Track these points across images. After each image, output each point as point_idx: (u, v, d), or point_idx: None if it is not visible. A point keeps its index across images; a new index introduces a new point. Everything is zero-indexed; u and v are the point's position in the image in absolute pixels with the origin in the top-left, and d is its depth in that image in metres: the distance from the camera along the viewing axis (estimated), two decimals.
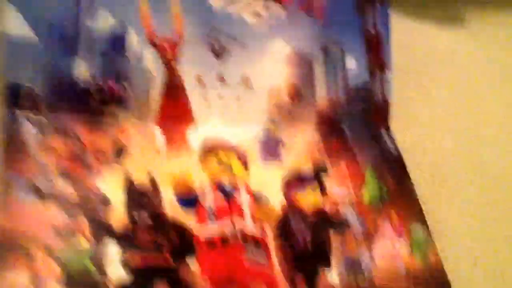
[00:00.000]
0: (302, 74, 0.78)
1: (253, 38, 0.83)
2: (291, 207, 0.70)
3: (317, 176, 0.77)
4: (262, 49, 0.83)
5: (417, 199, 0.78)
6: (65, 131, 0.68)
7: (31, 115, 0.67)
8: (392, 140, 0.84)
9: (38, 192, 0.64)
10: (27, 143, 0.65)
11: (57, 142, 0.68)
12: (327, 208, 0.76)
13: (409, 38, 0.97)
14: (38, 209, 0.65)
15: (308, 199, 0.75)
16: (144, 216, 0.65)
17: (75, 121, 0.69)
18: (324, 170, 0.72)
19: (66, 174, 0.65)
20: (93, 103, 0.71)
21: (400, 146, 0.85)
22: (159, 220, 0.66)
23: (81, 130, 0.68)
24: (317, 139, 0.77)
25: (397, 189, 0.79)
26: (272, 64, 0.82)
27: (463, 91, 0.96)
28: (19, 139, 0.65)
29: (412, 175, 0.81)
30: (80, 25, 0.68)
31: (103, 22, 0.69)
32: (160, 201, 0.71)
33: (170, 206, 0.66)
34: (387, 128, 0.82)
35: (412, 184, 0.79)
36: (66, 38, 0.68)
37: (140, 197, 0.65)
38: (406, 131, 0.83)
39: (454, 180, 0.85)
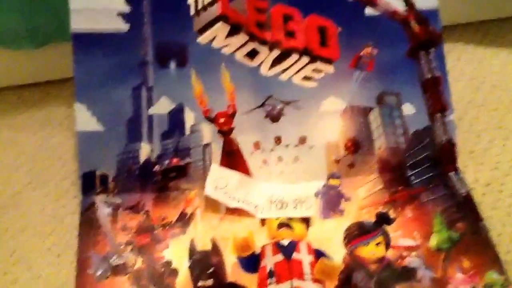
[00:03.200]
0: (358, 126, 0.82)
1: (306, 99, 0.89)
2: (354, 262, 0.69)
3: (381, 228, 0.72)
4: (316, 108, 0.89)
5: (493, 244, 0.76)
6: (135, 209, 0.74)
7: (105, 197, 0.74)
8: (462, 182, 0.85)
9: (113, 269, 0.69)
10: (101, 223, 0.72)
11: (129, 220, 0.74)
12: (393, 260, 0.68)
13: (473, 73, 0.92)
14: (112, 284, 0.72)
15: (372, 252, 0.69)
16: (207, 282, 0.67)
17: (144, 198, 0.75)
18: (388, 221, 0.71)
19: (137, 249, 0.71)
20: (160, 180, 0.76)
21: (472, 187, 0.85)
22: (222, 285, 0.68)
23: (150, 206, 0.74)
24: (380, 189, 0.75)
25: (469, 234, 0.78)
26: (327, 121, 0.90)
27: None
28: (94, 220, 0.74)
29: (486, 218, 0.79)
30: (142, 113, 0.75)
31: (162, 107, 0.76)
32: (223, 265, 0.75)
33: (233, 270, 0.68)
34: (455, 170, 0.78)
35: (486, 227, 0.78)
36: (130, 127, 0.75)
37: (204, 264, 0.69)
38: (478, 171, 0.78)
39: None
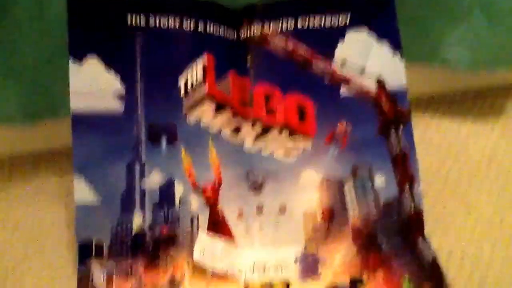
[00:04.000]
0: (333, 197, 1.00)
1: (285, 172, 1.09)
2: None
3: None
4: (295, 180, 1.09)
5: None
6: (128, 274, 0.92)
7: (99, 262, 0.93)
8: (429, 248, 1.03)
9: None
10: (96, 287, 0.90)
11: (122, 284, 0.91)
12: None
13: (440, 144, 1.14)
14: None
15: None
16: None
17: (136, 265, 0.93)
18: (360, 282, 0.91)
19: None
20: (150, 247, 0.95)
21: (438, 253, 1.03)
22: None
23: (141, 272, 0.92)
24: (353, 254, 0.96)
25: None
26: (305, 192, 1.00)
27: (502, 195, 1.12)
28: (90, 285, 0.90)
29: (450, 281, 0.97)
30: (135, 187, 0.95)
31: (154, 180, 0.95)
32: None
33: None
34: (423, 237, 0.95)
35: None
36: (124, 199, 0.94)
37: None
38: (442, 238, 0.99)
39: None
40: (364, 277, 0.98)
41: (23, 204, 1.15)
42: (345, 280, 0.97)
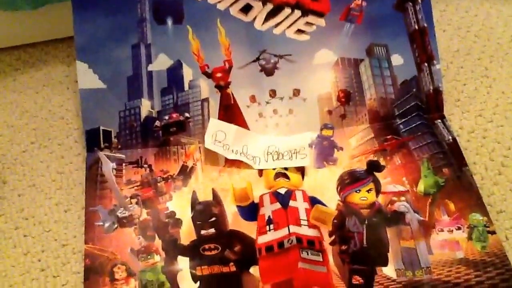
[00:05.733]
0: (349, 78, 0.79)
1: (299, 52, 0.88)
2: (347, 208, 0.69)
3: (372, 175, 0.70)
4: (309, 61, 0.88)
5: (476, 188, 0.77)
6: (138, 163, 0.73)
7: (109, 153, 0.73)
8: (448, 129, 0.87)
9: (119, 221, 0.69)
10: (107, 178, 0.71)
11: (133, 174, 0.74)
12: (383, 205, 0.68)
13: (460, 23, 0.90)
14: (119, 235, 0.77)
15: (364, 198, 0.69)
16: (209, 230, 0.67)
17: (146, 153, 0.74)
18: (378, 168, 0.71)
19: (141, 202, 0.70)
20: (160, 135, 0.75)
21: (457, 134, 0.86)
22: (223, 233, 0.68)
23: (152, 160, 0.73)
24: (370, 138, 0.74)
25: (454, 179, 0.79)
26: (319, 73, 0.86)
27: None
28: (99, 175, 0.72)
29: (470, 163, 0.80)
30: (142, 71, 0.73)
31: (161, 64, 0.74)
32: (224, 214, 0.69)
33: (233, 219, 0.69)
34: (442, 118, 0.75)
35: (470, 172, 0.79)
36: (131, 84, 0.73)
37: (205, 213, 0.68)
38: (463, 118, 0.79)
39: None
40: (382, 162, 0.78)
41: (31, 91, 0.98)
42: (362, 165, 0.78)
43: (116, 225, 0.76)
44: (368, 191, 0.77)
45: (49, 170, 0.86)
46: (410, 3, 0.88)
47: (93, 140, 0.85)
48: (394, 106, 0.87)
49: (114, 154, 0.82)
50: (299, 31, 0.90)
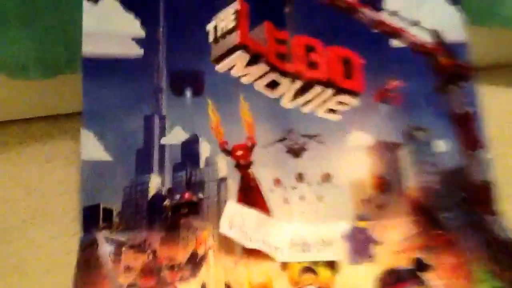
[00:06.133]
0: (387, 163, 0.68)
1: (330, 133, 0.79)
2: None
3: (418, 275, 0.58)
4: (341, 143, 0.79)
5: None
6: (141, 247, 0.62)
7: (108, 233, 0.63)
8: (502, 227, 0.74)
9: None
10: (102, 262, 0.60)
11: (133, 259, 0.62)
12: None
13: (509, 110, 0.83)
14: None
15: None
16: None
17: (151, 236, 0.63)
18: (426, 267, 0.58)
19: None
20: (169, 217, 0.65)
21: None
22: None
23: (157, 245, 0.62)
24: (413, 232, 0.63)
25: None
26: (353, 157, 0.70)
27: None
28: (94, 259, 0.61)
29: None
30: (154, 144, 0.65)
31: (175, 137, 0.65)
32: None
33: None
34: (493, 213, 0.63)
35: None
36: (140, 157, 0.65)
37: None
38: None
39: None
40: (428, 260, 0.67)
41: (36, 166, 0.90)
42: (405, 262, 0.66)
43: None
44: None
45: (40, 252, 0.76)
46: (452, 86, 0.83)
47: (91, 218, 0.74)
48: (439, 198, 0.77)
49: (114, 235, 0.72)
50: (330, 110, 0.83)
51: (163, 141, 0.77)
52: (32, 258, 0.76)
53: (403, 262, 0.70)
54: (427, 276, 0.66)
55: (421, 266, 0.68)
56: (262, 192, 0.78)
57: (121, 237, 0.73)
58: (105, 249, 0.71)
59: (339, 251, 0.69)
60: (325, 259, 0.68)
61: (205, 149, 0.78)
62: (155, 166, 0.76)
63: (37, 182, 0.87)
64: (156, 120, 0.78)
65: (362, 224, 0.76)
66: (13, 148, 0.93)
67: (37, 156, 0.91)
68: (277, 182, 0.79)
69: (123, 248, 0.71)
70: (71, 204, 0.81)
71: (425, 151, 0.80)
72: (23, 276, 0.74)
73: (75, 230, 0.76)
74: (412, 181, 0.78)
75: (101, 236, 0.72)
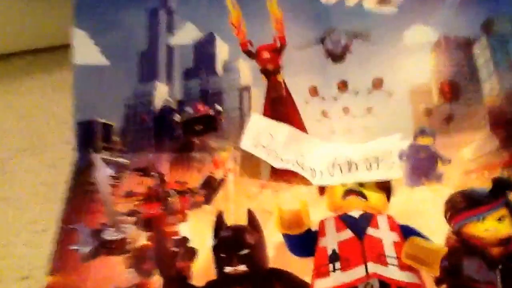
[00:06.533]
0: (457, 64, 0.51)
1: (382, 30, 0.62)
2: (465, 244, 0.39)
3: (503, 197, 0.49)
4: (395, 41, 0.62)
5: None
6: (146, 170, 0.49)
7: (109, 155, 0.50)
8: None
9: (105, 245, 0.43)
10: (99, 187, 0.47)
11: (136, 184, 0.48)
12: None
13: None
14: (101, 265, 0.44)
15: (492, 230, 0.49)
16: (239, 267, 0.40)
17: (159, 158, 0.49)
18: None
19: (142, 221, 0.45)
20: (181, 134, 0.51)
21: None
22: (260, 272, 0.41)
23: (166, 168, 0.49)
24: (495, 147, 0.47)
25: None
26: (412, 58, 0.52)
27: None
28: (89, 183, 0.47)
29: None
30: (160, 44, 0.51)
31: (186, 36, 0.51)
32: (262, 245, 0.42)
33: (277, 253, 0.41)
34: None
35: None
36: (143, 61, 0.51)
37: (235, 242, 0.41)
38: None
39: None
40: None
41: (37, 95, 0.82)
42: (483, 181, 0.51)
43: (99, 251, 0.53)
44: (499, 219, 0.50)
45: (33, 182, 0.67)
46: None
47: (87, 136, 0.62)
48: None
49: (115, 159, 0.60)
50: (382, 1, 0.67)
51: (172, 41, 0.64)
52: (26, 188, 0.66)
53: (479, 183, 0.55)
54: None
55: (505, 185, 0.52)
56: (295, 104, 0.63)
57: (124, 159, 0.61)
58: (103, 173, 0.60)
59: (395, 168, 0.55)
60: (376, 179, 0.54)
61: (222, 51, 0.63)
62: (162, 72, 0.62)
63: (36, 113, 0.79)
64: (163, 15, 0.65)
65: (424, 141, 0.61)
66: (14, 80, 0.86)
67: (36, 87, 0.84)
68: (314, 91, 0.65)
69: (126, 172, 0.60)
70: (70, 134, 0.75)
71: (510, 46, 0.63)
72: (16, 206, 0.65)
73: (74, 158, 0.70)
74: (493, 84, 0.62)
75: (100, 157, 0.61)
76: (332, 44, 0.67)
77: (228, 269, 0.50)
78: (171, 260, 0.51)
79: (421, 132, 0.63)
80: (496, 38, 0.64)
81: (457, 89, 0.63)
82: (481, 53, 0.63)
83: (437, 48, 0.64)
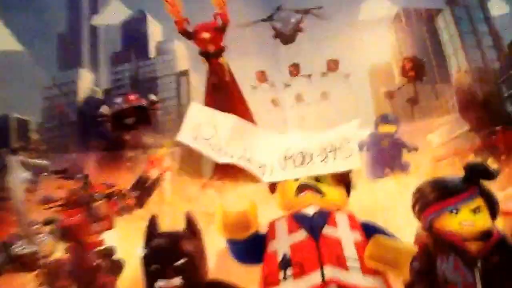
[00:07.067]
0: (420, 39, 0.45)
1: (336, 4, 0.48)
2: (437, 241, 0.33)
3: (478, 185, 0.35)
4: (351, 16, 0.47)
5: None
6: (68, 173, 0.42)
7: (24, 156, 0.43)
8: None
9: (14, 260, 0.36)
10: (12, 193, 0.39)
11: (56, 187, 0.42)
12: (506, 235, 0.39)
13: None
14: (7, 283, 0.37)
15: (468, 223, 0.39)
16: (172, 281, 0.34)
17: (84, 157, 0.42)
18: (488, 174, 0.35)
19: (60, 230, 0.38)
20: (109, 129, 0.43)
21: None
22: (197, 285, 0.34)
23: (91, 169, 0.41)
24: (466, 131, 0.41)
25: None
26: (370, 35, 0.45)
27: None
28: (1, 190, 0.41)
29: None
30: (82, 25, 0.43)
31: (112, 15, 0.44)
32: (201, 253, 0.36)
33: (219, 261, 0.34)
34: None
35: None
36: (63, 45, 0.44)
37: (169, 251, 0.35)
38: None
39: None
40: (492, 164, 0.47)
41: None
42: (454, 171, 0.46)
43: (6, 266, 0.46)
44: (474, 211, 0.45)
45: None
46: None
47: (2, 135, 0.54)
48: (501, 81, 0.55)
49: (33, 160, 0.54)
50: None
51: (95, 21, 0.57)
52: None
53: (451, 170, 0.50)
54: (492, 187, 0.46)
55: (480, 172, 0.47)
56: (241, 91, 0.57)
57: (43, 160, 0.54)
58: (18, 176, 0.53)
59: (354, 160, 0.49)
60: (333, 171, 0.48)
61: (155, 31, 0.57)
62: (85, 57, 0.56)
63: None
64: None
65: (385, 128, 0.56)
66: None
67: None
68: (262, 76, 0.59)
69: (44, 174, 0.53)
70: None
71: (477, 17, 0.58)
72: None
73: None
74: (461, 60, 0.57)
75: (15, 160, 0.54)
76: (281, 23, 0.61)
77: (160, 283, 0.43)
78: (92, 275, 0.45)
79: (383, 119, 0.57)
80: (461, 9, 0.59)
81: (420, 67, 0.59)
82: (446, 27, 0.59)
83: (396, 22, 0.60)
